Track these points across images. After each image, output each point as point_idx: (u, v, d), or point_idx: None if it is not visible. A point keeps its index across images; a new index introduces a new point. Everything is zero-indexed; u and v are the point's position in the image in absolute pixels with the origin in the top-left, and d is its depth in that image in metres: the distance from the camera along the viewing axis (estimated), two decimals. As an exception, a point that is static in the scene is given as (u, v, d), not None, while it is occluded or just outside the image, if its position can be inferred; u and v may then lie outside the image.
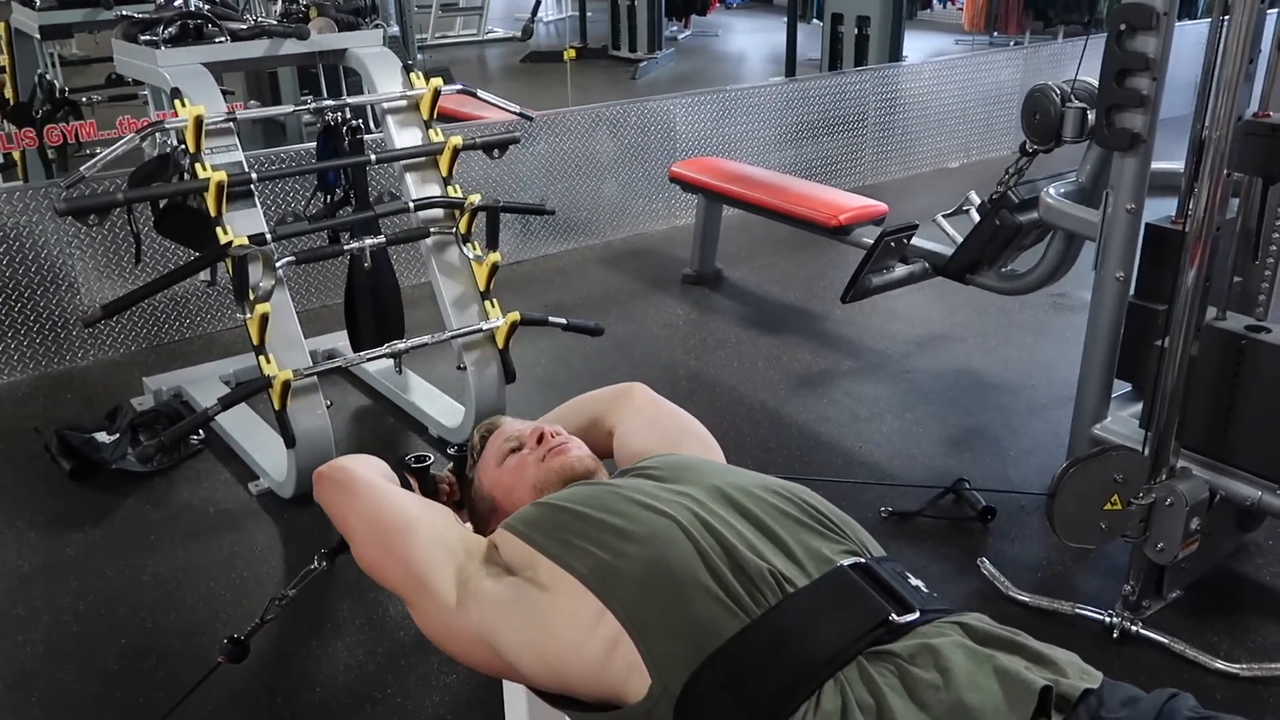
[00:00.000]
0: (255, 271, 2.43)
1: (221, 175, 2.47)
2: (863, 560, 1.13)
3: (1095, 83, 2.68)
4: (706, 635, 1.04)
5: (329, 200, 3.05)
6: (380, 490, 1.36)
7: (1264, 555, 2.45)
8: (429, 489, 1.55)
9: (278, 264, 2.51)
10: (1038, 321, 3.81)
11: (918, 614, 1.06)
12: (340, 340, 3.38)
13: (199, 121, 2.49)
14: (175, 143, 2.64)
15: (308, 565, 1.60)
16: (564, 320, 2.88)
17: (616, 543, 1.12)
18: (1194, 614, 2.24)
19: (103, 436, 2.91)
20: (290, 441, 2.50)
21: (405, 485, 1.50)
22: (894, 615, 1.05)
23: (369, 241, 2.70)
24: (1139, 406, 2.59)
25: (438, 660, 2.13)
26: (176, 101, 2.55)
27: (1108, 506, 1.98)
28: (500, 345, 2.79)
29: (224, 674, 2.11)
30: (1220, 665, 2.08)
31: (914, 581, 1.12)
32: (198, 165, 2.51)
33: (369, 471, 1.41)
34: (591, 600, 1.10)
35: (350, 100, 2.88)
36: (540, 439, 1.42)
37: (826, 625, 1.04)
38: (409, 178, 2.83)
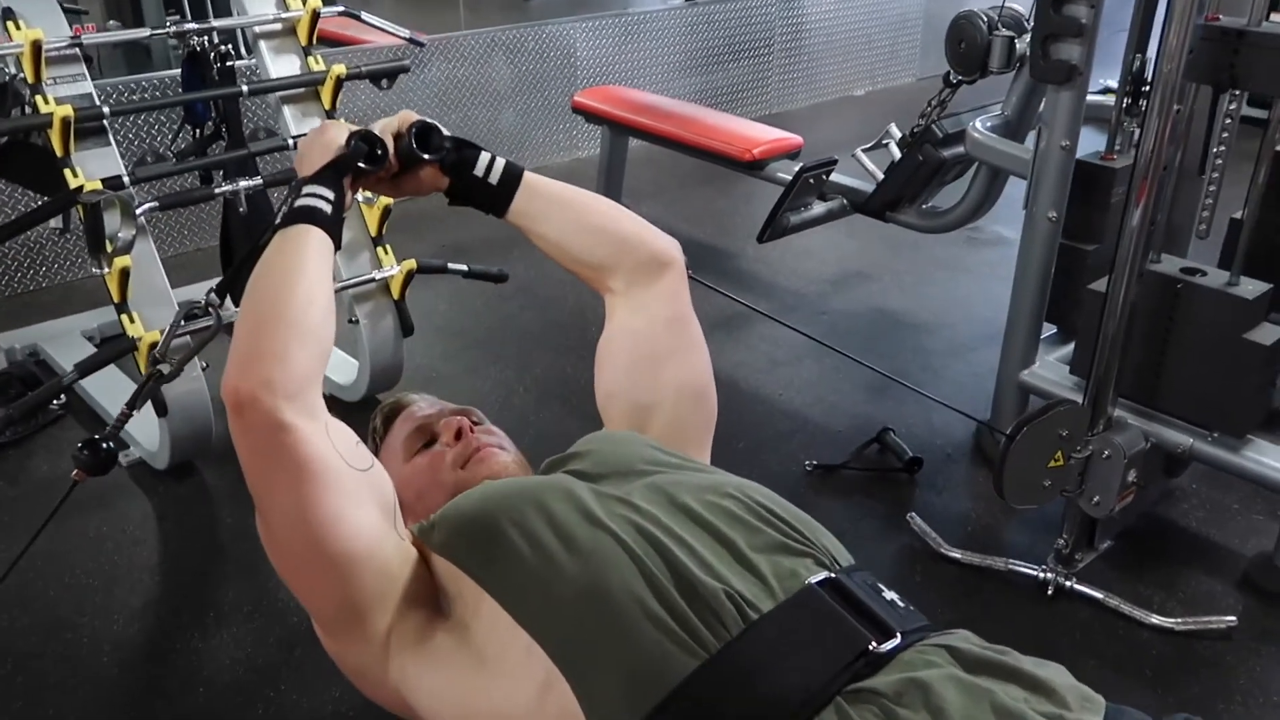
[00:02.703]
0: (112, 220, 2.14)
1: (66, 110, 2.16)
2: (832, 575, 0.97)
3: (1022, 10, 2.55)
4: (655, 676, 0.88)
5: (198, 135, 2.75)
6: (342, 491, 0.98)
7: (1189, 500, 2.41)
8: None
9: (138, 210, 2.23)
10: (952, 257, 3.73)
11: (899, 639, 0.91)
12: (217, 289, 3.10)
13: (37, 47, 2.17)
14: (14, 71, 2.31)
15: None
16: (465, 267, 2.66)
17: (547, 566, 0.95)
18: (1125, 565, 2.19)
19: (-54, 404, 2.61)
20: (161, 410, 2.25)
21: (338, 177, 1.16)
22: (874, 644, 0.90)
23: (244, 184, 2.43)
24: (1066, 350, 2.52)
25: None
26: (9, 23, 2.22)
27: (1052, 464, 1.89)
28: (396, 296, 2.56)
29: (94, 672, 1.90)
30: (1155, 620, 2.03)
31: (888, 595, 0.97)
32: (39, 98, 2.20)
33: (331, 452, 0.98)
34: (520, 635, 0.93)
35: (217, 23, 2.57)
36: (458, 435, 1.23)
37: (798, 660, 0.88)
38: (287, 111, 2.54)
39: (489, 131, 4.45)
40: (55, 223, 2.52)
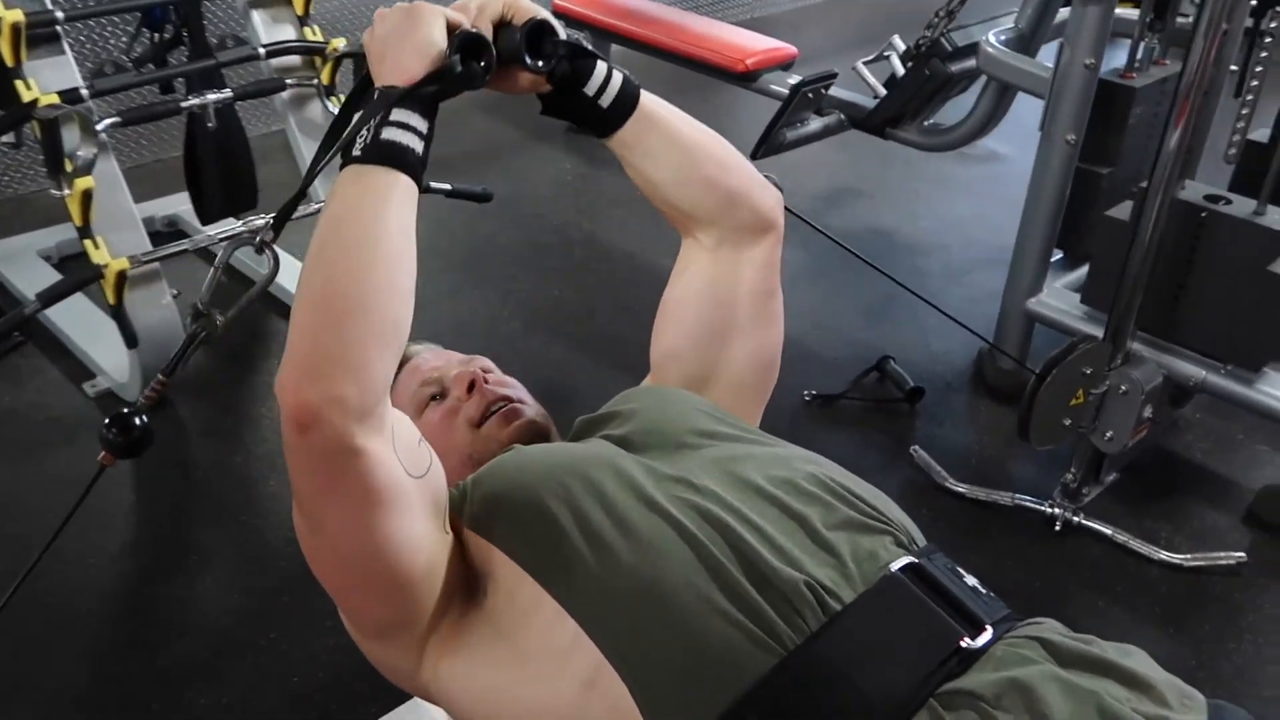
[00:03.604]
0: (71, 137, 1.99)
1: (16, 14, 1.98)
2: (914, 559, 0.89)
3: (1042, -86, 2.40)
4: (726, 677, 0.80)
5: (156, 40, 2.55)
6: (408, 512, 0.87)
7: (1192, 431, 2.37)
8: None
9: (99, 126, 2.06)
10: (944, 173, 3.62)
11: (990, 632, 0.84)
12: (182, 205, 2.93)
13: (-22, -56, 1.98)
14: (-46, -30, 2.11)
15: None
16: (448, 186, 2.52)
17: (603, 555, 0.86)
18: (1132, 499, 2.16)
19: (-104, 332, 2.45)
20: (131, 341, 2.12)
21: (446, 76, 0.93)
22: (966, 640, 0.82)
23: (211, 97, 2.26)
24: (1073, 276, 2.45)
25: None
26: (-54, -84, 2.02)
27: (1073, 402, 1.82)
28: (376, 217, 2.41)
29: (72, 622, 1.81)
30: (1163, 556, 2.00)
31: (969, 580, 0.89)
32: (-17, 1, 2.01)
33: (399, 473, 0.86)
34: (565, 623, 0.85)
35: (174, -83, 2.37)
36: (471, 386, 1.12)
37: (886, 659, 0.80)
38: (256, 17, 2.36)
39: (461, 35, 4.23)
40: (7, 138, 2.34)
